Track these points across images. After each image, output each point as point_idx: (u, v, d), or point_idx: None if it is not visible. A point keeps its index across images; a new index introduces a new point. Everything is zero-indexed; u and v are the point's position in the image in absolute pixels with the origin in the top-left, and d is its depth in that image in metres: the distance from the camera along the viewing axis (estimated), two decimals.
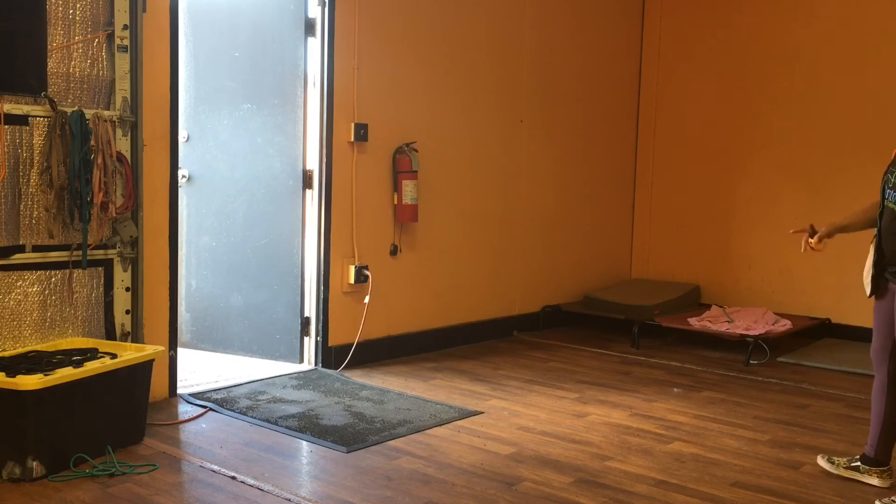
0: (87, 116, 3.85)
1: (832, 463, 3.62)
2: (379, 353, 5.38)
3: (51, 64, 3.78)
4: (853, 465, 3.55)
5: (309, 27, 5.01)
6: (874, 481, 3.45)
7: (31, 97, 3.72)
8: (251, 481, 3.33)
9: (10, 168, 3.69)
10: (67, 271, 3.91)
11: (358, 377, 4.97)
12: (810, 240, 3.60)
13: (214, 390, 4.57)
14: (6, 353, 3.60)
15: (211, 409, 4.24)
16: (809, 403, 4.72)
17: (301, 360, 5.15)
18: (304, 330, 5.14)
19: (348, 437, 3.88)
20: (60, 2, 3.82)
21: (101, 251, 4.03)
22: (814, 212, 6.39)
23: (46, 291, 3.86)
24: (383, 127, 5.30)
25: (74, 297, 3.95)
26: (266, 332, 5.24)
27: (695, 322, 6.05)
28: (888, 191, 3.30)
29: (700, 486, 3.43)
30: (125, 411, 3.67)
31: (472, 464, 3.61)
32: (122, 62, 4.05)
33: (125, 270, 4.13)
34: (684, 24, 7.08)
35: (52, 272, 3.87)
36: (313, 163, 5.07)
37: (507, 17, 6.08)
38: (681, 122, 7.14)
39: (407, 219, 5.39)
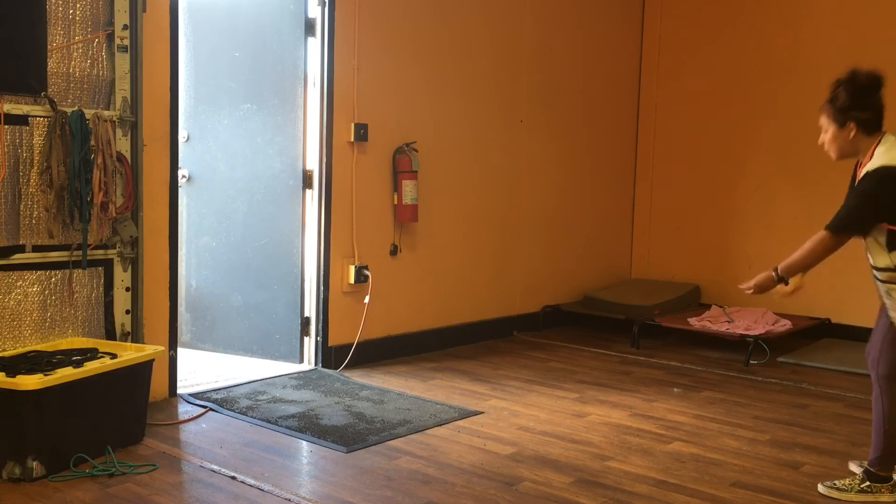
0: (87, 116, 3.85)
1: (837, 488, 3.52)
2: (379, 353, 5.38)
3: (51, 64, 3.78)
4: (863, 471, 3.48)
5: (309, 27, 5.01)
6: (885, 498, 3.33)
7: (31, 97, 3.72)
8: (251, 481, 3.33)
9: (10, 168, 3.69)
10: (67, 271, 3.91)
11: (358, 377, 4.97)
12: (783, 287, 3.54)
13: (214, 390, 4.57)
14: (6, 353, 3.60)
15: (211, 409, 4.24)
16: (809, 403, 4.72)
17: (301, 360, 5.15)
18: (304, 330, 5.14)
19: (348, 437, 3.88)
20: (60, 2, 3.82)
21: (101, 251, 4.03)
22: (813, 211, 6.38)
23: (46, 291, 3.86)
24: (383, 127, 5.30)
25: (74, 297, 3.95)
26: (266, 331, 5.24)
27: (695, 322, 6.05)
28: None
29: (700, 486, 3.43)
30: (125, 411, 3.67)
31: (472, 464, 3.61)
32: (122, 62, 4.05)
33: (125, 270, 4.14)
34: (684, 24, 7.08)
35: (52, 272, 3.87)
36: (313, 163, 5.07)
37: (508, 17, 6.08)
38: (681, 122, 7.14)
39: (407, 219, 5.39)
